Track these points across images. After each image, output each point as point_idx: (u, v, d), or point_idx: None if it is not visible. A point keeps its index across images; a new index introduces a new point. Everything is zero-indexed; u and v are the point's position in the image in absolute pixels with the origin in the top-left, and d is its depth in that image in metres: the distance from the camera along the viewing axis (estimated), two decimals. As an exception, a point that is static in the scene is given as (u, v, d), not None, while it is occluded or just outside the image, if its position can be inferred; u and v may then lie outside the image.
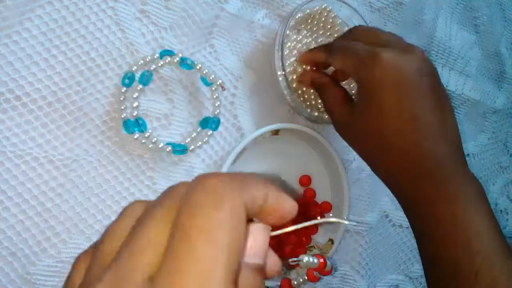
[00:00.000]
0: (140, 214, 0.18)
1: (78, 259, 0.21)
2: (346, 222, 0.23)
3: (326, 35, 0.46)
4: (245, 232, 0.17)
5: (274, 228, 0.19)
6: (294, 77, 0.44)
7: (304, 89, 0.45)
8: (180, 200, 0.16)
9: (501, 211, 0.60)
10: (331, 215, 0.46)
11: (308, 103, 0.45)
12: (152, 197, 0.40)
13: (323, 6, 0.44)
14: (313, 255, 0.20)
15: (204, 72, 0.40)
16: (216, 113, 0.41)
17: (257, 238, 0.18)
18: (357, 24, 0.46)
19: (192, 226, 0.15)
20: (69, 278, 0.20)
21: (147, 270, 0.15)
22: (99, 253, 0.18)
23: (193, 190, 0.16)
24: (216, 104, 0.41)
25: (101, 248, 0.18)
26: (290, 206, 0.19)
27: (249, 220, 0.18)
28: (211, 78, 0.40)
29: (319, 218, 0.45)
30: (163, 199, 0.17)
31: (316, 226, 0.45)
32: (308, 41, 0.45)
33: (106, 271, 0.16)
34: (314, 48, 0.42)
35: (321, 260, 0.21)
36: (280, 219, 0.19)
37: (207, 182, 0.16)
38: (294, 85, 0.44)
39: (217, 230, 0.15)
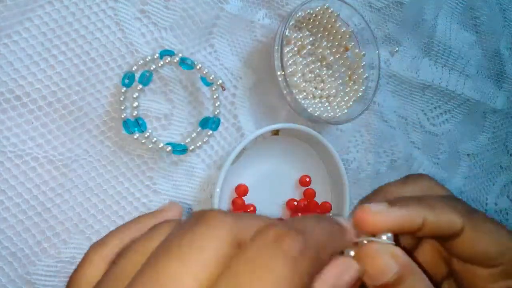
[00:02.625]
0: (169, 236, 0.16)
1: (92, 252, 0.20)
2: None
3: (325, 34, 0.46)
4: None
5: None
6: (295, 78, 0.44)
7: (304, 87, 0.45)
8: (233, 244, 0.16)
9: (501, 211, 0.60)
10: (330, 214, 0.46)
11: (308, 103, 0.45)
12: (152, 197, 0.40)
13: (325, 6, 0.44)
14: None
15: (204, 72, 0.40)
16: (216, 113, 0.41)
17: (343, 277, 0.17)
18: (356, 24, 0.46)
19: (250, 283, 0.14)
20: (80, 268, 0.20)
21: None
22: (118, 269, 0.17)
23: (255, 242, 0.15)
24: (216, 104, 0.41)
25: (121, 264, 0.17)
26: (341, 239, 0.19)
27: None
28: (211, 78, 0.40)
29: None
30: (201, 236, 0.16)
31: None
32: (309, 40, 0.45)
33: None
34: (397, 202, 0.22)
35: None
36: None
37: (270, 234, 0.15)
38: (294, 85, 0.44)
39: None
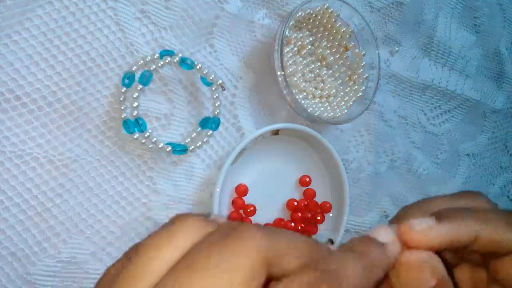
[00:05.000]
0: (195, 250, 0.16)
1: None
2: None
3: (325, 34, 0.46)
4: None
5: None
6: (295, 78, 0.44)
7: (304, 87, 0.45)
8: (263, 265, 0.15)
9: (501, 211, 0.60)
10: (330, 214, 0.46)
11: (308, 103, 0.45)
12: (152, 197, 0.40)
13: (325, 6, 0.44)
14: None
15: (204, 72, 0.40)
16: (216, 113, 0.41)
17: None
18: (356, 24, 0.46)
19: None
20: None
21: None
22: (135, 269, 0.16)
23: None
24: (216, 104, 0.41)
25: (139, 264, 0.16)
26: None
27: None
28: (211, 78, 0.40)
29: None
30: (231, 255, 0.15)
31: (316, 227, 0.45)
32: (309, 40, 0.45)
33: None
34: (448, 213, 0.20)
35: None
36: None
37: (303, 284, 0.15)
38: (294, 85, 0.44)
39: None
